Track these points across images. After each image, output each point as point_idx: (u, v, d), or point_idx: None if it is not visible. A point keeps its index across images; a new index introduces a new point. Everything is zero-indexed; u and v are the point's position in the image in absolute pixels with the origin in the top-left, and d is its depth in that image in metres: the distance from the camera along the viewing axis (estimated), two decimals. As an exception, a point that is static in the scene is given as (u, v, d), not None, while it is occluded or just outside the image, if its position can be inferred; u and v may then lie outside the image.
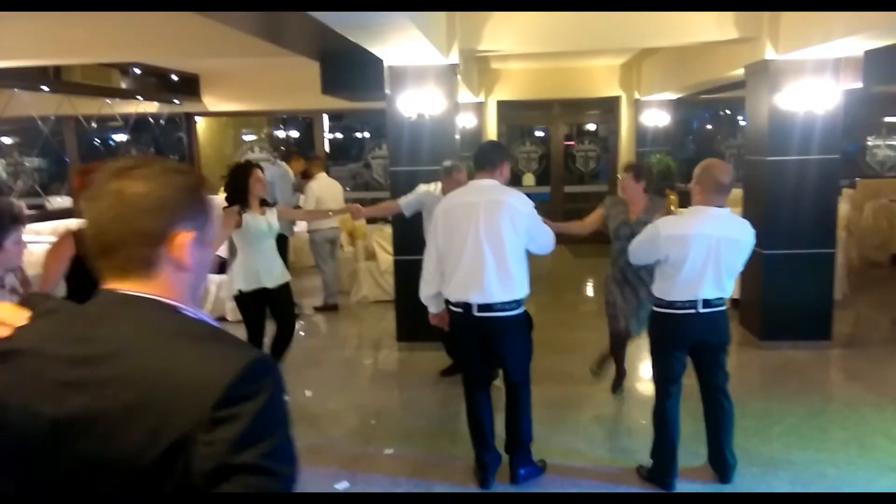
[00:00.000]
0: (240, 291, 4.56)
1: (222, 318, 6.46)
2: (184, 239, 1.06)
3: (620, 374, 4.95)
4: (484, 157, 3.58)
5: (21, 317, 1.08)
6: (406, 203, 5.26)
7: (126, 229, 1.04)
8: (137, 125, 10.71)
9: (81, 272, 2.99)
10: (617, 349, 4.87)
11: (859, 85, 5.76)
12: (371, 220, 7.98)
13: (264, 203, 4.61)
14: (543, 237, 3.58)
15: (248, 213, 4.45)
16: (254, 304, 4.57)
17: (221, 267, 6.45)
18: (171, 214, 1.06)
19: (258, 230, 4.48)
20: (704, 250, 3.33)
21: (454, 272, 3.48)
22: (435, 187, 5.13)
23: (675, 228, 3.43)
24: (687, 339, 3.47)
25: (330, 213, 6.34)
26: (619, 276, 4.57)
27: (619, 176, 4.53)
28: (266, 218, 4.54)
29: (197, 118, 11.39)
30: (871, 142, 11.73)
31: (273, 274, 4.58)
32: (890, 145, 11.79)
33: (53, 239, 3.26)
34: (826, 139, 5.62)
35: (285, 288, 4.68)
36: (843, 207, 7.41)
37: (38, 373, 1.02)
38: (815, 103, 5.52)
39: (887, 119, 11.83)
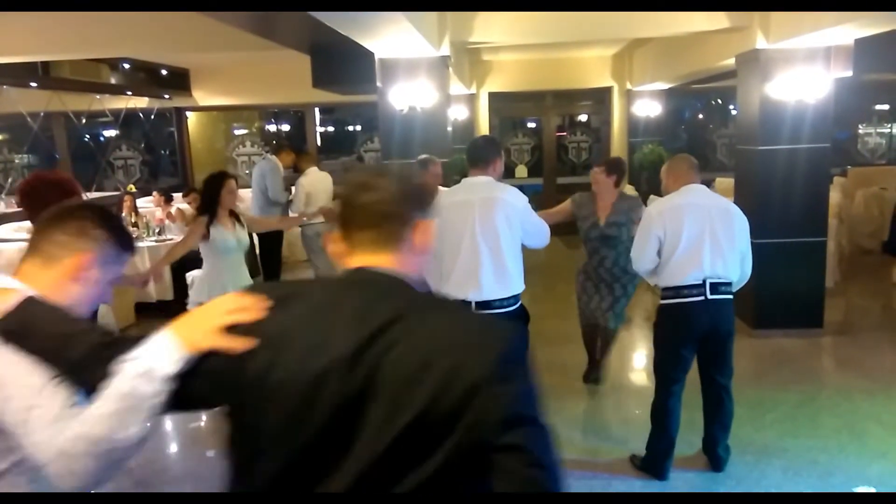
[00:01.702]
0: (201, 304, 4.41)
1: None
2: (424, 226, 1.26)
3: (592, 365, 4.94)
4: (477, 154, 3.56)
5: (260, 303, 1.20)
6: None
7: (393, 211, 1.23)
8: (127, 120, 10.65)
9: None
10: (588, 341, 4.90)
11: (850, 73, 5.77)
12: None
13: (235, 216, 4.41)
14: (539, 231, 3.58)
15: (215, 225, 4.25)
16: None
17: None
18: (418, 205, 1.26)
19: (225, 244, 4.28)
20: (699, 219, 3.44)
21: (451, 271, 3.48)
22: None
23: (667, 203, 3.56)
24: (696, 330, 3.47)
25: (304, 218, 6.24)
26: (592, 275, 4.59)
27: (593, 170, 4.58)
28: (235, 232, 4.36)
29: (187, 113, 11.33)
30: (862, 130, 11.77)
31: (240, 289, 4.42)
32: (881, 133, 11.84)
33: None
34: (817, 128, 5.64)
35: None
36: (835, 195, 7.43)
37: (317, 350, 1.12)
38: (806, 92, 5.53)
39: (878, 107, 11.87)
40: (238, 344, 1.16)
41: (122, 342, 1.25)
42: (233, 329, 1.18)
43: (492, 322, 1.23)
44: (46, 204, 2.67)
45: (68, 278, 1.45)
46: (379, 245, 1.22)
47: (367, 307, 1.15)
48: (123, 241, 1.55)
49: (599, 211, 4.48)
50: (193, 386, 1.20)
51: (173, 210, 7.62)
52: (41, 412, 1.25)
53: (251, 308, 1.19)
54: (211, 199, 4.30)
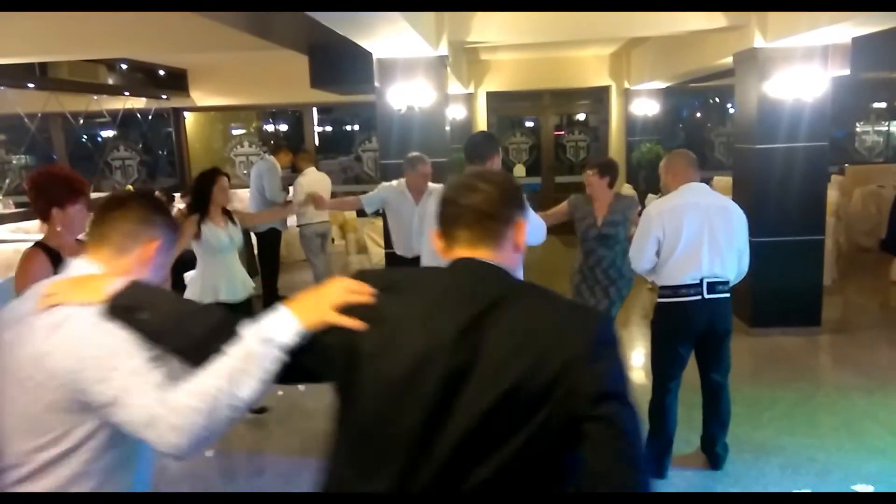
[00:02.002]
0: None
1: None
2: (522, 225, 1.37)
3: None
4: (474, 150, 3.56)
5: (370, 287, 1.30)
6: (368, 199, 5.22)
7: (496, 211, 1.33)
8: (125, 121, 10.65)
9: None
10: None
11: (847, 72, 5.78)
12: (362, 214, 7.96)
13: (228, 213, 4.37)
14: (535, 228, 3.56)
15: (207, 223, 4.19)
16: None
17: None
18: (517, 205, 1.37)
19: (218, 242, 4.22)
20: (698, 219, 3.45)
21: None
22: (398, 183, 5.07)
23: (666, 203, 3.55)
24: (693, 329, 3.48)
25: (294, 207, 6.19)
26: (588, 277, 4.58)
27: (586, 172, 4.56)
28: (227, 230, 4.30)
29: (185, 113, 11.32)
30: (859, 128, 11.78)
31: (234, 289, 4.30)
32: (878, 131, 11.86)
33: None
34: (814, 126, 5.65)
35: (247, 303, 4.43)
36: (832, 194, 7.45)
37: (426, 331, 1.23)
38: (804, 91, 5.54)
39: (875, 105, 11.88)
40: (352, 323, 1.26)
41: (237, 322, 1.35)
42: (347, 310, 1.28)
43: (585, 307, 1.36)
44: (53, 198, 2.71)
45: (140, 264, 1.55)
46: (481, 241, 1.32)
47: (473, 291, 1.27)
48: (175, 226, 1.67)
49: (596, 211, 4.48)
50: (307, 361, 1.31)
51: (174, 211, 7.62)
52: (147, 379, 1.33)
53: (363, 291, 1.30)
54: (202, 197, 4.24)
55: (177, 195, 8.38)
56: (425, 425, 1.20)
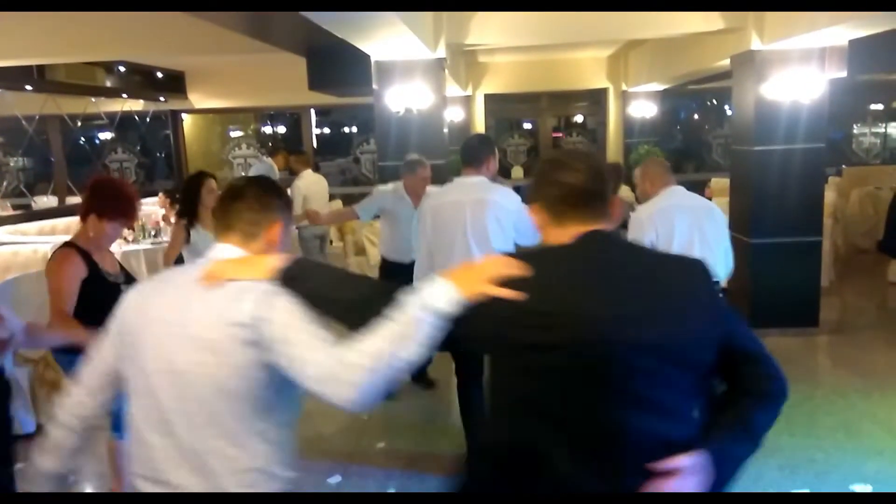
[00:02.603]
0: None
1: None
2: (616, 200, 1.53)
3: None
4: (469, 153, 3.55)
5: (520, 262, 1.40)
6: (363, 208, 5.15)
7: (601, 189, 1.49)
8: (123, 123, 10.64)
9: (93, 291, 2.81)
10: None
11: (844, 74, 5.79)
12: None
13: None
14: (533, 231, 3.55)
15: (196, 228, 4.09)
16: None
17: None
18: (613, 184, 1.56)
19: (208, 247, 4.21)
20: (687, 219, 3.54)
21: (444, 270, 3.49)
22: (394, 187, 4.99)
23: (656, 205, 3.62)
24: None
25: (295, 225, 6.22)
26: None
27: None
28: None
29: (183, 115, 11.32)
30: (856, 129, 11.81)
31: None
32: (875, 133, 11.89)
33: (44, 241, 3.18)
34: (812, 128, 5.66)
35: None
36: (830, 195, 7.46)
37: (590, 296, 1.36)
38: (801, 93, 5.55)
39: (872, 107, 11.92)
40: (510, 293, 1.34)
41: (394, 290, 1.46)
42: (503, 283, 1.36)
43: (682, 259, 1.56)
44: (97, 205, 2.80)
45: (269, 246, 1.64)
46: (587, 218, 1.47)
47: (623, 262, 1.44)
48: (290, 203, 1.75)
49: None
50: (464, 329, 1.40)
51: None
52: (323, 340, 1.44)
53: (516, 265, 1.38)
54: (191, 201, 4.15)
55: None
56: (624, 397, 1.32)
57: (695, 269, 1.47)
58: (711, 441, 1.41)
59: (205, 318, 1.49)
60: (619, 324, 1.33)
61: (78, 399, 1.67)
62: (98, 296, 2.74)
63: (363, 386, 1.38)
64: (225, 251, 1.62)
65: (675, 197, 3.62)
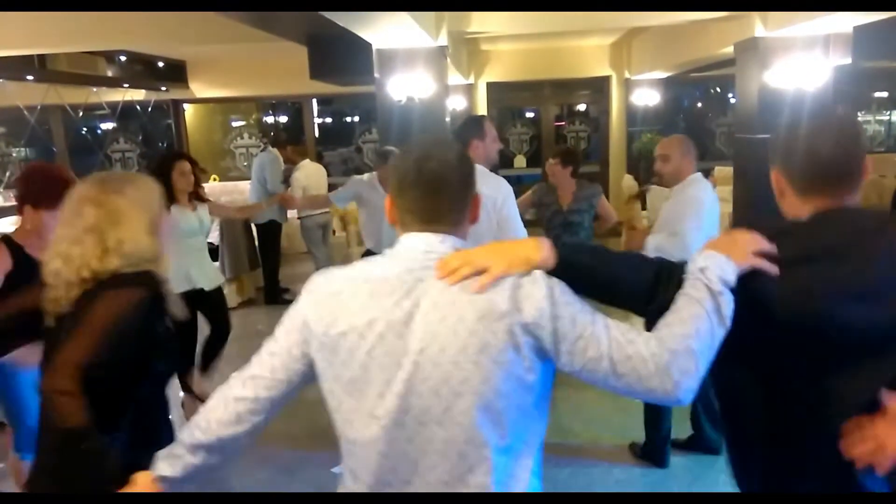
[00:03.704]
0: None
1: None
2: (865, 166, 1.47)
3: None
4: (457, 134, 3.42)
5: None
6: (337, 196, 5.13)
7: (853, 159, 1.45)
8: (124, 113, 10.63)
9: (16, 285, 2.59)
10: None
11: (849, 61, 5.76)
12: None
13: (197, 198, 4.20)
14: (510, 230, 3.27)
15: (174, 206, 3.99)
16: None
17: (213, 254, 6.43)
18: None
19: (188, 226, 4.06)
20: (717, 211, 3.53)
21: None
22: (369, 177, 4.96)
23: (710, 193, 3.49)
24: None
25: (263, 204, 6.10)
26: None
27: (548, 161, 4.56)
28: (197, 213, 4.15)
29: (185, 105, 11.30)
30: (860, 117, 11.76)
31: (207, 274, 4.21)
32: (879, 120, 11.83)
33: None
34: (816, 116, 5.62)
35: (219, 291, 4.34)
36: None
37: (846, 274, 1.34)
38: (805, 80, 5.52)
39: (877, 94, 11.86)
40: (770, 267, 1.35)
41: (668, 265, 1.40)
42: (762, 255, 1.36)
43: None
44: (29, 195, 2.62)
45: (472, 222, 1.48)
46: (840, 192, 1.44)
47: (873, 233, 1.41)
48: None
49: (561, 199, 4.51)
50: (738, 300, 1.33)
51: None
52: (626, 329, 1.28)
53: (764, 241, 1.38)
54: (164, 182, 3.96)
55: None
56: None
57: None
58: None
59: (465, 319, 1.27)
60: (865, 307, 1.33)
61: (231, 408, 1.43)
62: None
63: (694, 373, 1.23)
64: (442, 242, 1.37)
65: (708, 187, 3.54)
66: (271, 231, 7.23)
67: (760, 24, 5.51)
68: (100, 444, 1.59)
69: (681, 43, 7.89)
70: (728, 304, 1.29)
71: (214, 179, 10.97)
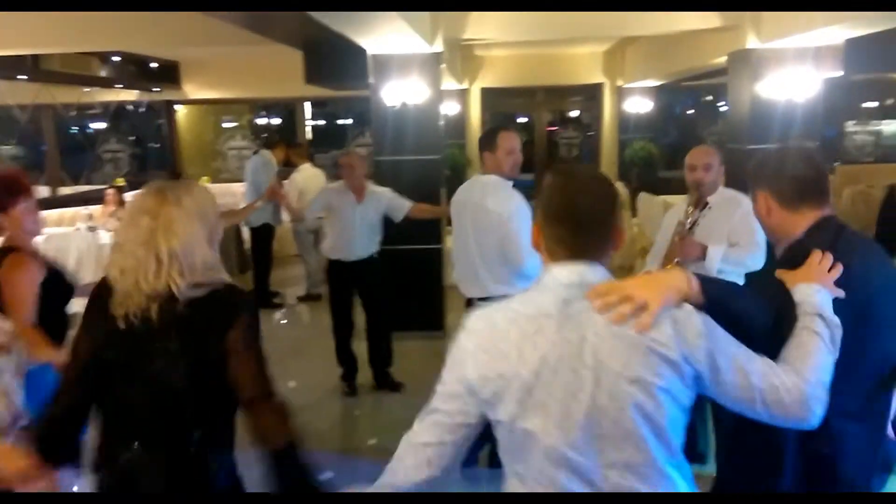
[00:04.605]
0: None
1: None
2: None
3: None
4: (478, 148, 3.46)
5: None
6: (308, 209, 5.07)
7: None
8: (116, 113, 10.59)
9: (51, 299, 2.61)
10: None
11: (840, 73, 5.82)
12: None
13: None
14: (512, 255, 3.26)
15: None
16: None
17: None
18: None
19: None
20: None
21: (455, 266, 3.58)
22: (339, 184, 4.89)
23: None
24: None
25: (257, 204, 6.03)
26: None
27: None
28: None
29: (177, 106, 11.26)
30: (850, 127, 11.86)
31: None
32: (869, 131, 11.94)
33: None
34: (806, 127, 5.69)
35: None
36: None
37: None
38: (796, 92, 5.57)
39: (866, 105, 11.97)
40: (840, 293, 1.56)
41: (789, 307, 1.54)
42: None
43: None
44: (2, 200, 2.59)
45: (615, 250, 1.51)
46: (824, 204, 1.76)
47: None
48: None
49: None
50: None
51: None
52: (768, 361, 1.41)
53: (833, 265, 1.58)
54: None
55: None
56: None
57: None
58: None
59: (632, 352, 1.32)
60: None
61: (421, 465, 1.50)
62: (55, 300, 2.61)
63: (824, 401, 1.39)
64: (594, 273, 1.41)
65: None
66: (263, 234, 7.20)
67: (754, 36, 5.56)
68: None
69: (674, 52, 7.94)
70: (840, 334, 1.49)
71: (206, 181, 10.93)
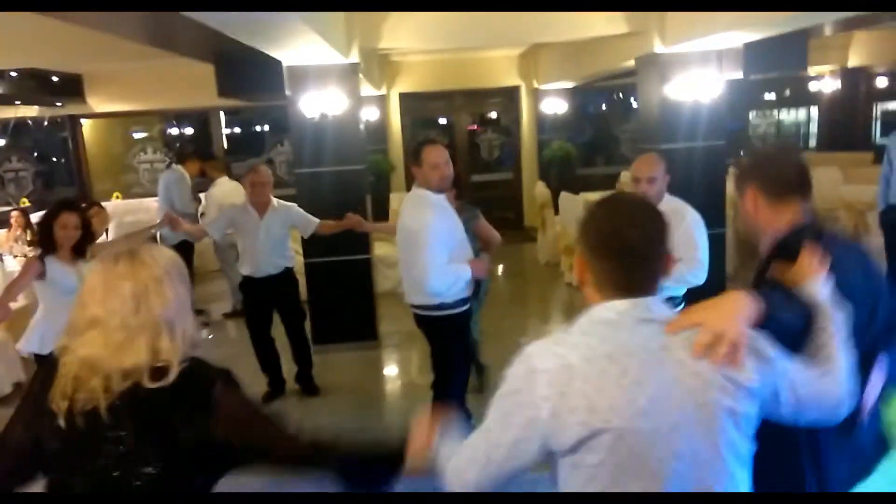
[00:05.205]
0: (34, 355, 3.85)
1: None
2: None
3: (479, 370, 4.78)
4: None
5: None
6: (212, 225, 5.06)
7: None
8: (16, 130, 10.02)
9: None
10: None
11: (740, 75, 6.11)
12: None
13: (79, 252, 3.86)
14: (416, 271, 3.31)
15: (50, 260, 3.73)
16: None
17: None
18: None
19: (64, 284, 3.70)
20: None
21: (403, 275, 3.66)
22: (243, 202, 4.90)
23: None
24: None
25: (152, 230, 5.81)
26: None
27: None
28: (77, 269, 3.79)
29: (82, 119, 10.76)
30: (754, 120, 12.54)
31: None
32: (770, 122, 12.67)
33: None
34: (712, 126, 5.96)
35: None
36: (729, 186, 7.84)
37: None
38: (701, 93, 5.83)
39: (766, 97, 12.71)
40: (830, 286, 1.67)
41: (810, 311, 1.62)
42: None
43: None
44: None
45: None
46: (804, 201, 1.90)
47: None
48: None
49: None
50: None
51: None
52: (811, 368, 1.52)
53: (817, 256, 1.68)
54: (47, 233, 3.79)
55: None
56: None
57: None
58: None
59: (716, 390, 1.34)
60: None
61: None
62: None
63: (855, 395, 1.55)
64: (658, 306, 1.41)
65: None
66: (183, 250, 6.95)
67: (659, 40, 5.77)
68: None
69: (585, 56, 8.16)
70: (846, 323, 1.62)
71: (117, 197, 10.48)
